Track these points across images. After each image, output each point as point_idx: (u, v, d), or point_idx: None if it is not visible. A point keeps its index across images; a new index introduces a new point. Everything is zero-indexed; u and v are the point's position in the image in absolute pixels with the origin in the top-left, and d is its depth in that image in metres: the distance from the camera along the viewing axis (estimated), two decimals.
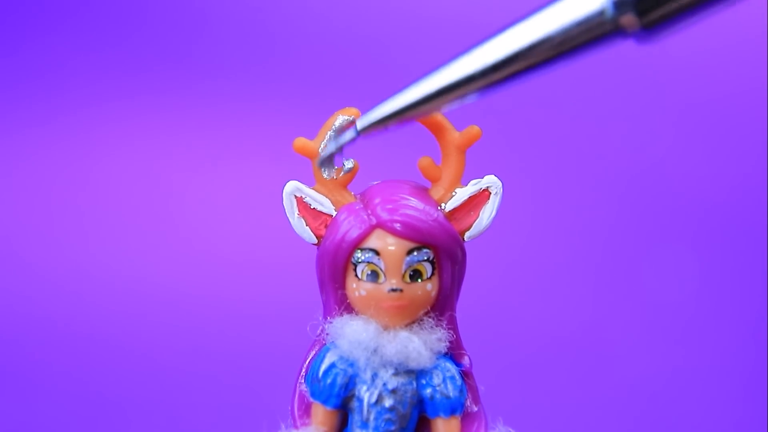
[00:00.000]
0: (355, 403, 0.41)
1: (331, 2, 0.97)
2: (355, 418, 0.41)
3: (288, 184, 0.41)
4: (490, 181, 0.41)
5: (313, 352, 0.42)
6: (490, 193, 0.41)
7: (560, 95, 0.91)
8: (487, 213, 0.41)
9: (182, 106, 0.96)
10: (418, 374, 0.41)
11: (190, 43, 0.97)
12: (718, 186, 0.90)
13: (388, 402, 0.40)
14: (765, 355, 0.81)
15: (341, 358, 0.41)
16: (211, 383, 0.80)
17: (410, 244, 0.39)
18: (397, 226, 0.39)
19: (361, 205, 0.40)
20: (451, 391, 0.41)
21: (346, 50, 0.95)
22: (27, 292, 0.88)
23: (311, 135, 0.41)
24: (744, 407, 0.79)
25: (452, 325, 0.41)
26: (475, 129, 0.41)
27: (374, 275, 0.39)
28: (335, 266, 0.40)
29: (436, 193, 0.41)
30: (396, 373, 0.40)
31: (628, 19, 0.31)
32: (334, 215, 0.41)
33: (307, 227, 0.41)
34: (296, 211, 0.41)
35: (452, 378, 0.41)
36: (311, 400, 0.41)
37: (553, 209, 0.91)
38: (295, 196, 0.41)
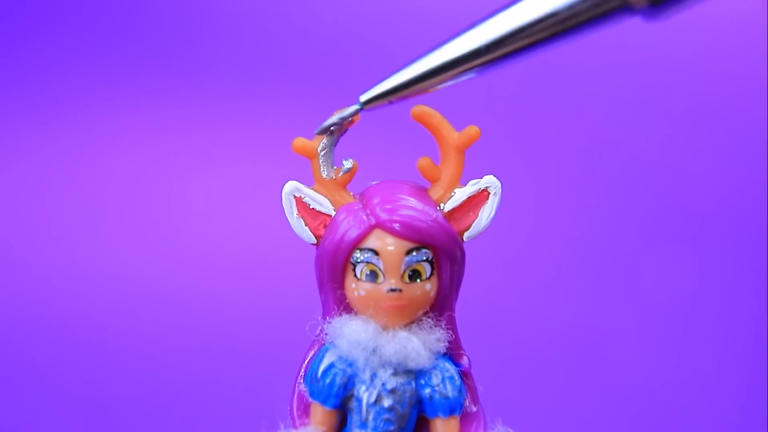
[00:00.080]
0: (354, 403, 0.41)
1: (331, 2, 0.97)
2: (354, 418, 0.41)
3: (287, 184, 0.41)
4: (489, 181, 0.41)
5: (312, 352, 0.42)
6: (489, 193, 0.41)
7: (560, 95, 0.91)
8: (486, 213, 0.41)
9: (182, 106, 0.96)
10: (417, 374, 0.41)
11: (190, 43, 0.97)
12: (718, 186, 0.90)
13: (387, 402, 0.40)
14: (765, 355, 0.81)
15: (340, 358, 0.41)
16: (211, 383, 0.80)
17: (409, 244, 0.39)
18: (396, 226, 0.39)
19: (360, 205, 0.40)
20: (450, 392, 0.41)
21: (345, 50, 0.95)
22: (27, 291, 0.88)
23: (311, 135, 0.41)
24: (744, 407, 0.79)
25: (451, 325, 0.41)
26: (474, 129, 0.41)
27: (373, 275, 0.39)
28: (334, 266, 0.40)
29: (435, 193, 0.41)
30: (395, 373, 0.40)
31: None
32: (333, 215, 0.41)
33: (306, 227, 0.41)
34: (295, 211, 0.41)
35: (451, 378, 0.41)
36: (310, 400, 0.41)
37: (552, 209, 0.91)
38: (294, 196, 0.41)
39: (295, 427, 0.42)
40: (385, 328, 0.40)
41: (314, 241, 0.41)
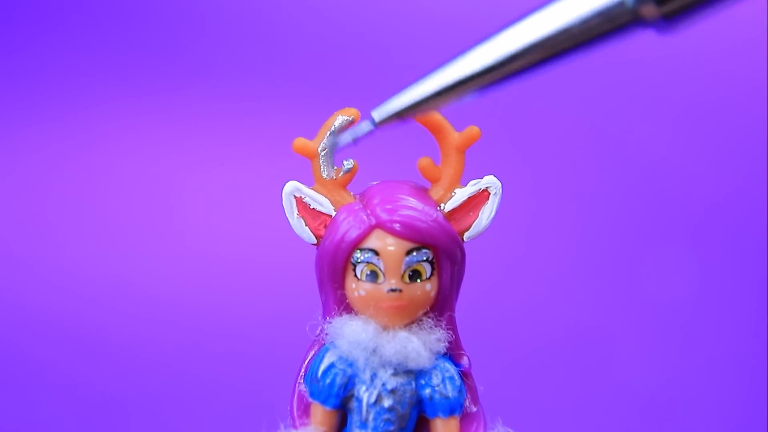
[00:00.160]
0: (354, 403, 0.41)
1: (331, 2, 0.97)
2: (354, 419, 0.41)
3: (287, 184, 0.41)
4: (490, 181, 0.41)
5: (313, 352, 0.42)
6: (490, 193, 0.41)
7: (560, 95, 0.91)
8: (486, 213, 0.41)
9: (182, 106, 0.96)
10: (417, 374, 0.41)
11: (191, 43, 0.97)
12: (718, 186, 0.90)
13: (387, 402, 0.40)
14: (765, 355, 0.81)
15: (340, 358, 0.41)
16: (211, 383, 0.80)
17: (409, 245, 0.39)
18: (397, 226, 0.39)
19: (361, 206, 0.40)
20: (450, 392, 0.41)
21: (345, 50, 0.95)
22: (27, 291, 0.88)
23: (311, 135, 0.41)
24: (744, 407, 0.79)
25: (451, 325, 0.41)
26: (474, 129, 0.41)
27: (373, 275, 0.39)
28: (334, 266, 0.40)
29: (436, 193, 0.41)
30: (395, 374, 0.40)
31: (648, 9, 0.30)
32: (333, 215, 0.41)
33: (307, 227, 0.41)
34: (295, 211, 0.41)
35: (451, 378, 0.41)
36: (310, 400, 0.41)
37: (552, 210, 0.91)
38: (295, 196, 0.41)
39: (295, 427, 0.42)
40: (385, 328, 0.40)
41: (314, 241, 0.41)
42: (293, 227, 0.41)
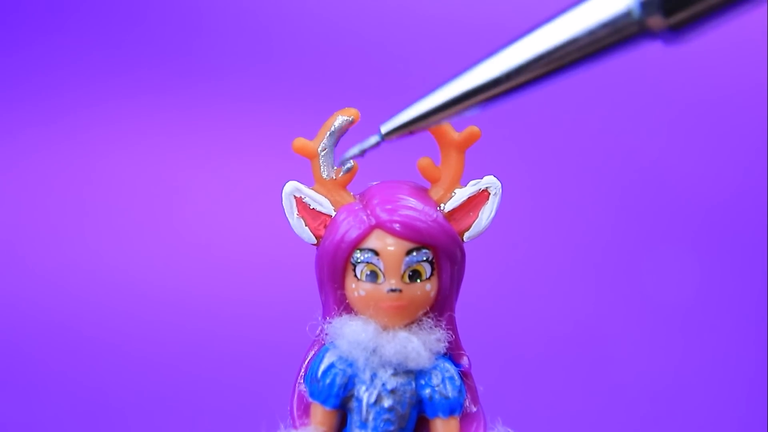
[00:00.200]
0: (354, 404, 0.41)
1: (331, 2, 0.97)
2: (354, 419, 0.41)
3: (287, 184, 0.41)
4: (490, 181, 0.41)
5: (312, 352, 0.42)
6: (490, 193, 0.41)
7: (560, 95, 0.91)
8: (486, 213, 0.41)
9: (182, 106, 0.96)
10: (417, 374, 0.41)
11: (191, 43, 0.97)
12: (718, 186, 0.90)
13: (387, 402, 0.40)
14: (765, 355, 0.81)
15: (340, 358, 0.41)
16: (211, 383, 0.80)
17: (409, 245, 0.39)
18: (397, 226, 0.39)
19: (361, 206, 0.40)
20: (450, 392, 0.41)
21: (345, 50, 0.95)
22: (28, 291, 0.88)
23: (311, 135, 0.41)
24: (744, 407, 0.79)
25: (451, 325, 0.41)
26: (474, 129, 0.41)
27: (373, 275, 0.39)
28: (334, 266, 0.40)
29: (436, 193, 0.41)
30: (395, 374, 0.40)
31: (655, 20, 0.30)
32: (333, 215, 0.41)
33: (307, 227, 0.41)
34: (295, 212, 0.41)
35: (451, 378, 0.41)
36: (310, 400, 0.41)
37: (552, 210, 0.91)
38: (295, 197, 0.41)
39: (295, 427, 0.42)
40: (385, 328, 0.40)
41: (314, 241, 0.41)
42: (293, 227, 0.41)
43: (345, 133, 0.41)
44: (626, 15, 0.31)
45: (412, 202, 0.40)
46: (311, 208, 0.41)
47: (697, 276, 0.86)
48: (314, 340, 0.42)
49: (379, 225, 0.39)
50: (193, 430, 0.77)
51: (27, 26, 0.99)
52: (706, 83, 0.93)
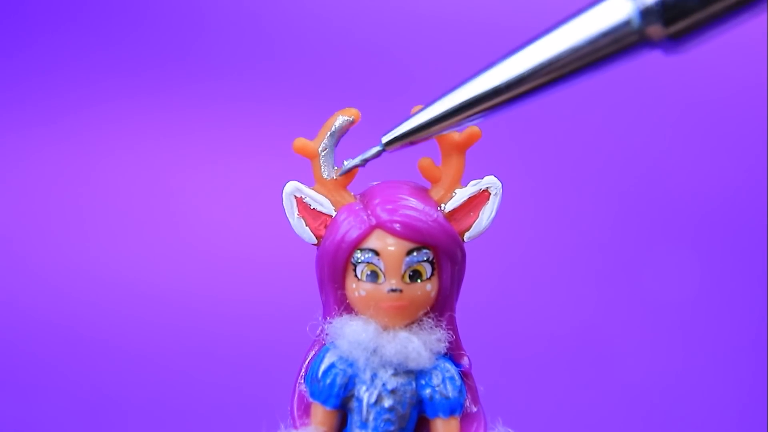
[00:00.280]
0: (354, 404, 0.41)
1: (331, 3, 0.97)
2: (355, 419, 0.41)
3: (288, 184, 0.41)
4: (490, 181, 0.41)
5: (313, 352, 0.42)
6: (490, 193, 0.41)
7: (560, 96, 0.91)
8: (486, 214, 0.41)
9: (182, 106, 0.96)
10: (418, 375, 0.41)
11: (191, 43, 0.97)
12: (718, 186, 0.90)
13: (387, 402, 0.40)
14: (765, 355, 0.81)
15: (341, 358, 0.41)
16: (211, 383, 0.80)
17: (410, 245, 0.39)
18: (397, 226, 0.39)
19: (361, 206, 0.40)
20: (451, 392, 0.41)
21: (346, 51, 0.95)
22: (28, 291, 0.88)
23: (311, 135, 0.41)
24: (744, 407, 0.79)
25: (452, 325, 0.41)
26: (474, 130, 0.41)
27: (374, 275, 0.39)
28: (335, 266, 0.40)
29: (436, 193, 0.41)
30: (395, 374, 0.40)
31: (655, 30, 0.30)
32: (333, 215, 0.41)
33: (307, 227, 0.41)
34: (296, 212, 0.41)
35: (451, 378, 0.41)
36: (311, 400, 0.41)
37: (552, 210, 0.91)
38: (295, 197, 0.41)
39: (295, 427, 0.42)
40: (385, 328, 0.40)
41: (315, 241, 0.41)
42: (294, 227, 0.41)
43: (345, 133, 0.41)
44: (626, 24, 0.31)
45: (413, 202, 0.40)
46: (312, 208, 0.41)
47: (697, 276, 0.86)
48: (315, 340, 0.42)
49: (380, 225, 0.39)
50: (194, 430, 0.77)
51: (27, 26, 0.99)
52: (706, 84, 0.93)
